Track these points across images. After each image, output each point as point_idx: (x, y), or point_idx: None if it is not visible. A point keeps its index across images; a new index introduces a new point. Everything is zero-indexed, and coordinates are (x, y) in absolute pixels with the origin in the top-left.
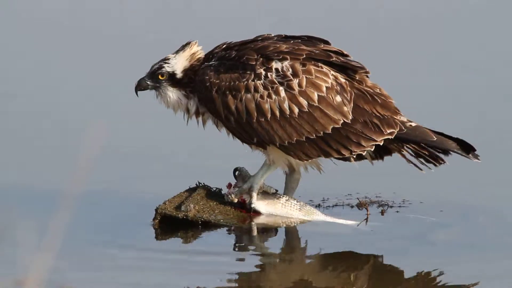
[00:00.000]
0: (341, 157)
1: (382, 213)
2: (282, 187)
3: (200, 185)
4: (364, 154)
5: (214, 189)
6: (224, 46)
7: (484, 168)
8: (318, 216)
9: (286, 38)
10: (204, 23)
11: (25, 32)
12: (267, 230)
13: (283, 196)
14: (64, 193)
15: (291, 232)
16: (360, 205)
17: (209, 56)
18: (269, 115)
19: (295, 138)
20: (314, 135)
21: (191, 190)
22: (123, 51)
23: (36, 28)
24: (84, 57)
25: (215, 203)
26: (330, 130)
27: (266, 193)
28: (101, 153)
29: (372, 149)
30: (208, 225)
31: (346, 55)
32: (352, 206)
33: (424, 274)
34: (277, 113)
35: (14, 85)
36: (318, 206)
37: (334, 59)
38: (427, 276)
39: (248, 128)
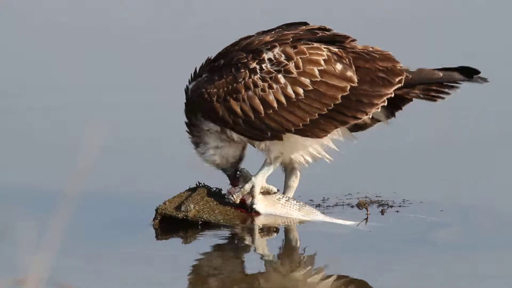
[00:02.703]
0: (357, 128)
1: (382, 213)
2: (282, 187)
3: (200, 185)
4: (376, 115)
5: (215, 189)
6: (207, 61)
7: (484, 168)
8: (317, 216)
9: (265, 32)
10: (204, 23)
11: (25, 32)
12: (267, 230)
13: (283, 197)
14: (64, 193)
15: (291, 232)
16: (360, 205)
17: (197, 75)
18: (275, 105)
19: (308, 119)
20: (326, 110)
21: (191, 190)
22: (123, 51)
23: (36, 28)
24: (85, 57)
25: (215, 203)
26: (340, 100)
27: (266, 194)
28: (101, 153)
29: (385, 103)
30: (208, 225)
31: (330, 29)
32: (352, 206)
33: (424, 274)
34: (283, 100)
35: (14, 85)
36: (318, 206)
37: (320, 34)
38: (427, 276)
39: (259, 125)
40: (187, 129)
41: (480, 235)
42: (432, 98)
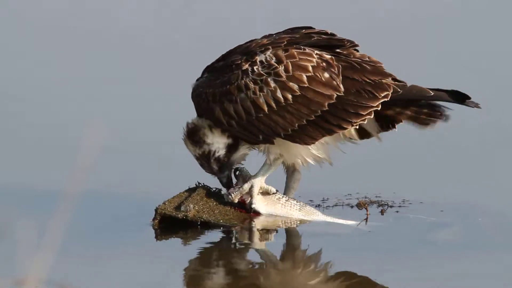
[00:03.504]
0: (347, 137)
1: (382, 213)
2: (282, 187)
3: (200, 185)
4: (366, 127)
5: (214, 189)
6: (211, 64)
7: (484, 168)
8: (318, 216)
9: (269, 35)
10: (204, 23)
11: (25, 32)
12: (267, 230)
13: (283, 197)
14: (64, 193)
15: (291, 232)
16: (360, 205)
17: (201, 75)
18: (266, 109)
19: (296, 124)
20: (313, 116)
21: (191, 190)
22: (123, 51)
23: (36, 28)
24: (84, 57)
25: (215, 203)
26: (326, 107)
27: (266, 194)
28: (101, 153)
29: (372, 116)
30: (208, 225)
31: (331, 34)
32: (352, 206)
33: (424, 274)
34: (273, 104)
35: (14, 85)
36: (318, 206)
37: (315, 38)
38: (427, 276)
39: (251, 128)
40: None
41: (480, 235)
42: (423, 122)
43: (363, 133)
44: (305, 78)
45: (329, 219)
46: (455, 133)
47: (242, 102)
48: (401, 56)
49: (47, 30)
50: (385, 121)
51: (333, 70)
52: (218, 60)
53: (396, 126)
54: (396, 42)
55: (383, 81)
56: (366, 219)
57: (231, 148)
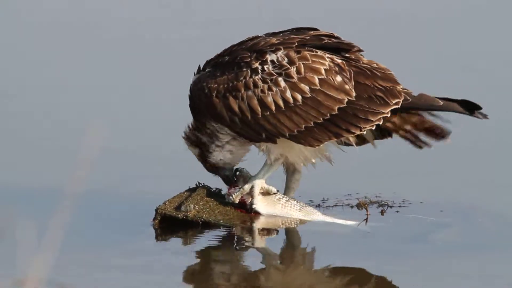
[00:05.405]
0: (347, 142)
1: (382, 213)
2: (282, 187)
3: (200, 185)
4: (364, 133)
5: (214, 189)
6: (214, 57)
7: (484, 169)
8: (318, 216)
9: (274, 34)
10: (204, 23)
11: (25, 32)
12: (267, 231)
13: (283, 197)
14: (64, 193)
15: (291, 233)
16: (360, 206)
17: (200, 70)
18: (273, 108)
19: (303, 126)
20: (321, 119)
21: (191, 190)
22: (123, 51)
23: (36, 28)
24: (84, 57)
25: (215, 203)
26: (336, 111)
27: (266, 194)
28: (101, 153)
29: (381, 122)
30: (208, 226)
31: (337, 37)
32: (352, 206)
33: (424, 274)
34: (281, 104)
35: (14, 85)
36: (318, 206)
37: (326, 41)
38: (427, 276)
39: (254, 126)
40: (194, 124)
41: (480, 235)
42: (418, 145)
43: (359, 140)
44: (317, 81)
45: (329, 219)
46: (454, 133)
47: (249, 100)
48: (401, 56)
49: (47, 30)
50: (383, 131)
51: (345, 74)
52: (220, 56)
53: (392, 135)
54: (396, 42)
55: (395, 87)
56: (366, 219)
57: (203, 156)
